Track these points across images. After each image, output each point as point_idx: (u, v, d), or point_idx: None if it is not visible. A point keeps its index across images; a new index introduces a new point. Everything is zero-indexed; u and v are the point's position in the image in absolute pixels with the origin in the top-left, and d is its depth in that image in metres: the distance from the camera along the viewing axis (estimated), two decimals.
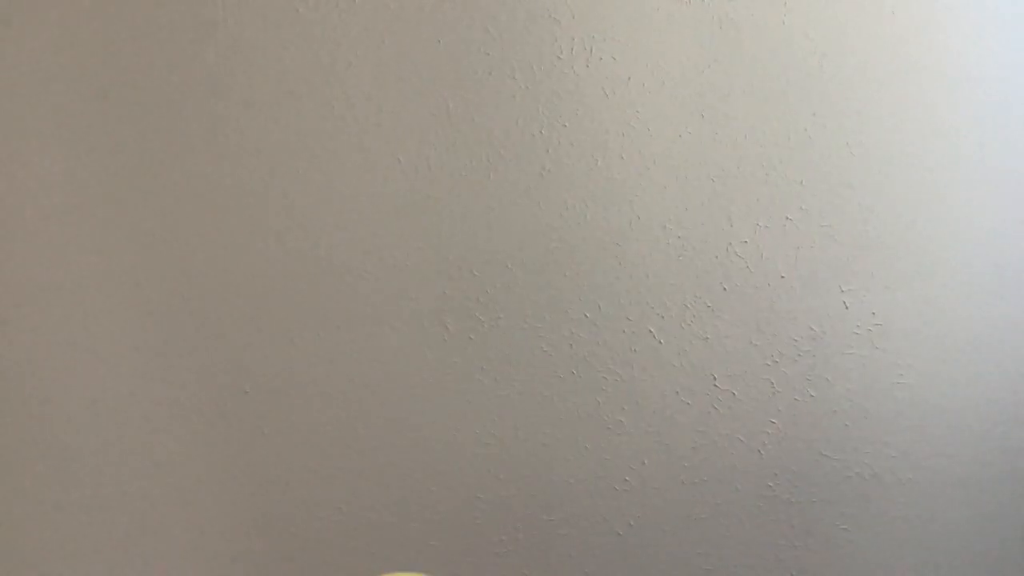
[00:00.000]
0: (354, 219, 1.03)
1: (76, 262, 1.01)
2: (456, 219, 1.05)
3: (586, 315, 1.08)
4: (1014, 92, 1.09)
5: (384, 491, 1.09)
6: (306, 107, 1.00)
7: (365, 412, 1.07)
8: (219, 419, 1.06)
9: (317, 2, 0.99)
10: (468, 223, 1.05)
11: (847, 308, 1.11)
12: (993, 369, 1.15)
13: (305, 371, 1.06)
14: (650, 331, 1.10)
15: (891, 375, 1.14)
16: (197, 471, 1.07)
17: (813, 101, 1.06)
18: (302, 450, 1.08)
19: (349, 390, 1.07)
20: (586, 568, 1.14)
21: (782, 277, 1.10)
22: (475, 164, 1.04)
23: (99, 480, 1.06)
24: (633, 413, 1.11)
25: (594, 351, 1.09)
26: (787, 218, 1.09)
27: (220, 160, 1.01)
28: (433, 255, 1.05)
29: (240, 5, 0.98)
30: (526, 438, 1.10)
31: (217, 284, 1.03)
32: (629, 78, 1.04)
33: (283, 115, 1.00)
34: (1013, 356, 1.15)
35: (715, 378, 1.11)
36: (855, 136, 1.07)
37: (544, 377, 1.09)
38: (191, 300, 1.03)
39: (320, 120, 1.01)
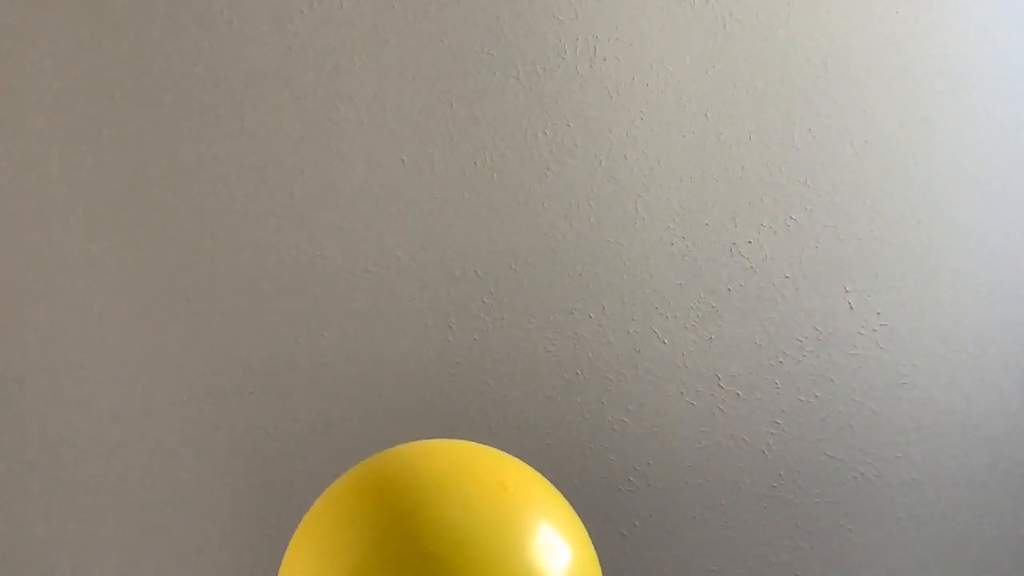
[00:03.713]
0: (358, 219, 1.03)
1: (77, 262, 1.01)
2: (460, 219, 1.05)
3: (590, 315, 1.08)
4: (1018, 92, 1.08)
5: None
6: (310, 108, 1.01)
7: (369, 413, 1.08)
8: (223, 420, 1.06)
9: (320, 3, 0.99)
10: (472, 223, 1.05)
11: (852, 308, 1.11)
12: (999, 369, 1.15)
13: (309, 371, 1.06)
14: (654, 331, 1.09)
15: (896, 375, 1.13)
16: (200, 472, 1.07)
17: (817, 101, 1.06)
18: (306, 451, 1.08)
19: (353, 391, 1.07)
20: None
21: (786, 277, 1.10)
22: (479, 164, 1.04)
23: (101, 481, 1.06)
24: (637, 413, 1.11)
25: (598, 351, 1.09)
26: (791, 218, 1.08)
27: (223, 160, 1.01)
28: (437, 255, 1.05)
29: (244, 6, 0.98)
30: (529, 438, 1.10)
31: (220, 284, 1.03)
32: (633, 78, 1.04)
33: (287, 116, 1.01)
34: (1019, 357, 1.15)
35: (719, 378, 1.11)
36: (860, 136, 1.07)
37: (548, 377, 1.09)
38: (194, 301, 1.03)
39: (324, 120, 1.01)
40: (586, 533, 0.73)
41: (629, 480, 1.13)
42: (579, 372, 1.09)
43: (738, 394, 1.12)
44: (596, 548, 1.14)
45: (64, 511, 1.07)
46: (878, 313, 1.12)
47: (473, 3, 1.00)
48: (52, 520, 1.07)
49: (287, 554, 0.71)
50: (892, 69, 1.06)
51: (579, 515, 1.13)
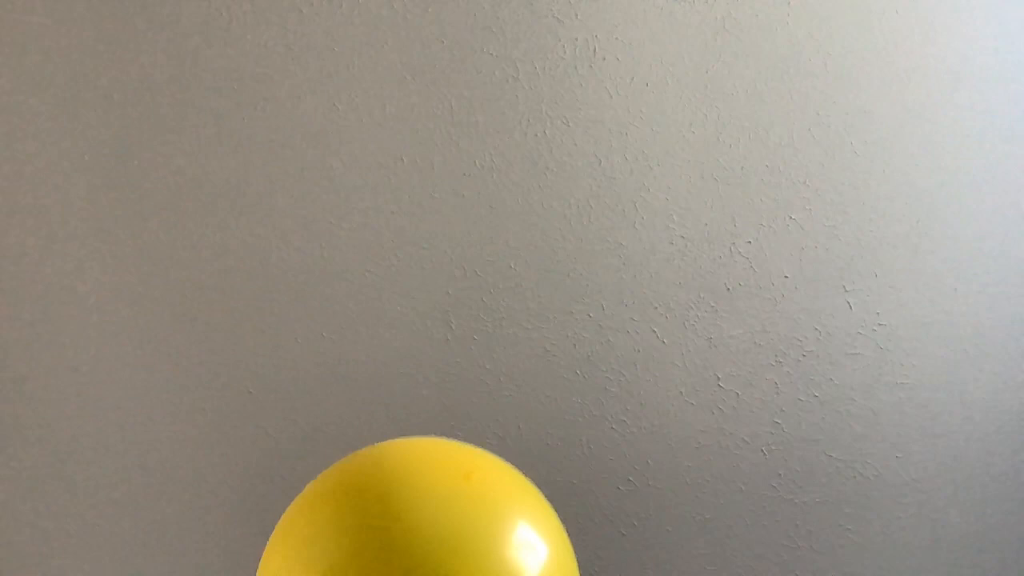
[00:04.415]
0: (357, 219, 1.03)
1: (77, 262, 1.01)
2: (459, 219, 1.05)
3: (590, 315, 1.08)
4: (1018, 92, 1.08)
5: None
6: (309, 107, 1.00)
7: (369, 413, 1.08)
8: (223, 420, 1.06)
9: (320, 3, 0.99)
10: (471, 223, 1.05)
11: (851, 308, 1.11)
12: (998, 369, 1.15)
13: (309, 372, 1.06)
14: (654, 331, 1.09)
15: (895, 375, 1.13)
16: (200, 472, 1.07)
17: (817, 101, 1.06)
18: (306, 451, 1.08)
19: (353, 391, 1.07)
20: (590, 568, 1.14)
21: (786, 277, 1.10)
22: (478, 164, 1.04)
23: (100, 480, 1.07)
24: (636, 413, 1.11)
25: (598, 351, 1.09)
26: (791, 218, 1.08)
27: (223, 160, 1.01)
28: (436, 255, 1.05)
29: (243, 6, 0.98)
30: (529, 438, 1.10)
31: (221, 284, 1.03)
32: (632, 78, 1.04)
33: (286, 115, 1.01)
34: (1018, 357, 1.15)
35: (719, 378, 1.11)
36: (859, 136, 1.07)
37: (548, 377, 1.09)
38: (194, 300, 1.03)
39: (323, 120, 1.01)
40: (557, 518, 0.73)
41: (629, 480, 1.13)
42: (578, 372, 1.09)
43: (737, 394, 1.12)
44: (596, 548, 1.14)
45: (64, 511, 1.07)
46: (878, 313, 1.12)
47: (473, 3, 1.00)
48: (52, 520, 1.07)
49: (263, 558, 0.71)
50: (891, 69, 1.06)
51: (579, 515, 1.13)
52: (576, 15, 1.02)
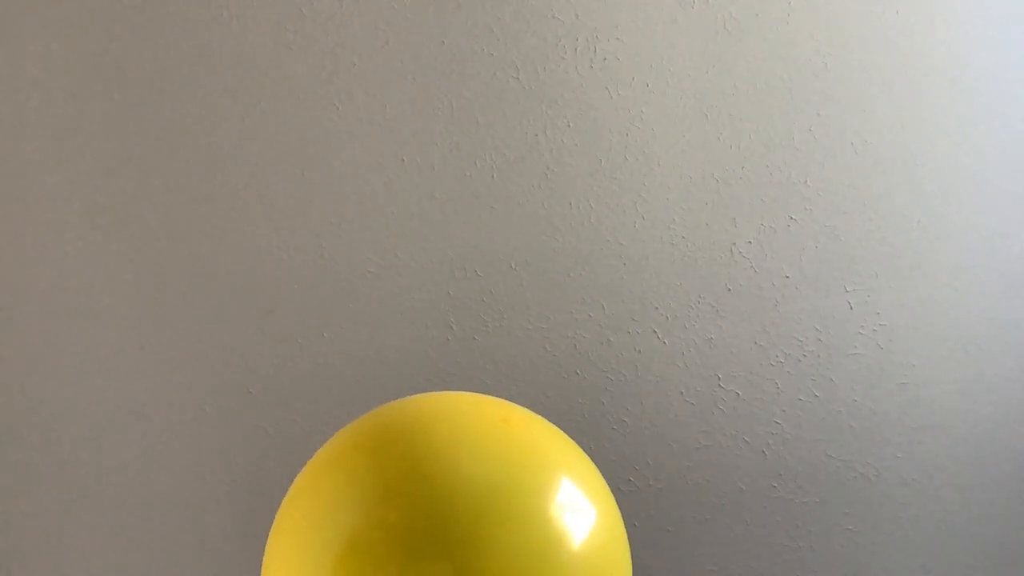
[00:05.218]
0: (358, 219, 1.03)
1: (78, 261, 1.01)
2: (460, 219, 1.05)
3: (590, 315, 1.08)
4: (1018, 92, 1.08)
5: None
6: (310, 107, 1.00)
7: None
8: (223, 420, 1.06)
9: (320, 2, 0.99)
10: (472, 223, 1.05)
11: (852, 308, 1.11)
12: (998, 370, 1.15)
13: (309, 372, 1.06)
14: (654, 331, 1.09)
15: (896, 375, 1.13)
16: (200, 472, 1.07)
17: (817, 101, 1.06)
18: (306, 451, 1.08)
19: (353, 391, 1.07)
20: None
21: (786, 277, 1.10)
22: (479, 164, 1.04)
23: (101, 480, 1.07)
24: (637, 414, 1.11)
25: (598, 351, 1.09)
26: (791, 218, 1.08)
27: (223, 160, 1.01)
28: (437, 255, 1.05)
29: (243, 5, 0.98)
30: None
31: (221, 284, 1.03)
32: (633, 78, 1.04)
33: (286, 115, 1.00)
34: (1018, 357, 1.15)
35: (719, 379, 1.11)
36: (859, 136, 1.07)
37: (548, 378, 1.09)
38: (195, 300, 1.03)
39: (324, 120, 1.01)
40: (589, 459, 0.67)
41: (629, 480, 1.13)
42: (579, 372, 1.09)
43: (738, 394, 1.12)
44: None
45: (64, 511, 1.07)
46: (878, 313, 1.12)
47: (473, 3, 1.00)
48: (52, 520, 1.07)
49: (275, 523, 0.65)
50: (892, 70, 1.06)
51: None
52: (576, 15, 1.02)
